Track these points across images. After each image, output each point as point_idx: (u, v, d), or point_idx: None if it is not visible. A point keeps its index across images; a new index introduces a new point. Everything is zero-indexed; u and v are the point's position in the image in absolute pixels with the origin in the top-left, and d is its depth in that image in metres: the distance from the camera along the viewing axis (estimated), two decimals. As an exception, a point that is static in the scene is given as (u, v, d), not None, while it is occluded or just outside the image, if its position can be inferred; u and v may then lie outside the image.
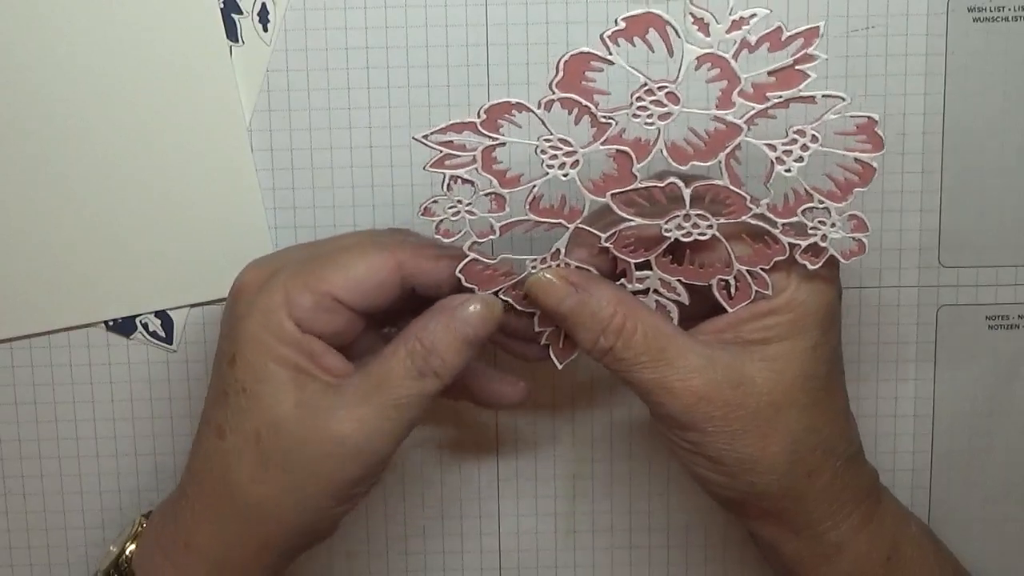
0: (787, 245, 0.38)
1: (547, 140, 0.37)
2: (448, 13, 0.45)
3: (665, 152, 0.37)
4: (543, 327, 0.41)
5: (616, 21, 0.34)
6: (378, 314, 0.40)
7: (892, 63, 0.46)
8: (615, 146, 0.36)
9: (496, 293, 0.40)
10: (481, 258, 0.39)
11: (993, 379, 0.48)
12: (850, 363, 0.47)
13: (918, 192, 0.47)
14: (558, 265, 0.39)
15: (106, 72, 0.45)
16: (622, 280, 0.40)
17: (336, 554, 0.50)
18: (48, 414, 0.48)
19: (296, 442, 0.38)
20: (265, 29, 0.45)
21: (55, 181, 0.46)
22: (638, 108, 0.36)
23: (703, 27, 0.34)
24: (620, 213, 0.38)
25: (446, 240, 0.38)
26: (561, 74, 0.35)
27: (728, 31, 0.34)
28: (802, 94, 0.35)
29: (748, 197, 0.37)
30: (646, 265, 0.40)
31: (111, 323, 0.47)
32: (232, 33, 0.45)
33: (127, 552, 0.42)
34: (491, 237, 0.39)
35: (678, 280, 0.40)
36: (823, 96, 0.35)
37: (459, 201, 0.38)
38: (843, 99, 0.35)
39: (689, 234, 0.39)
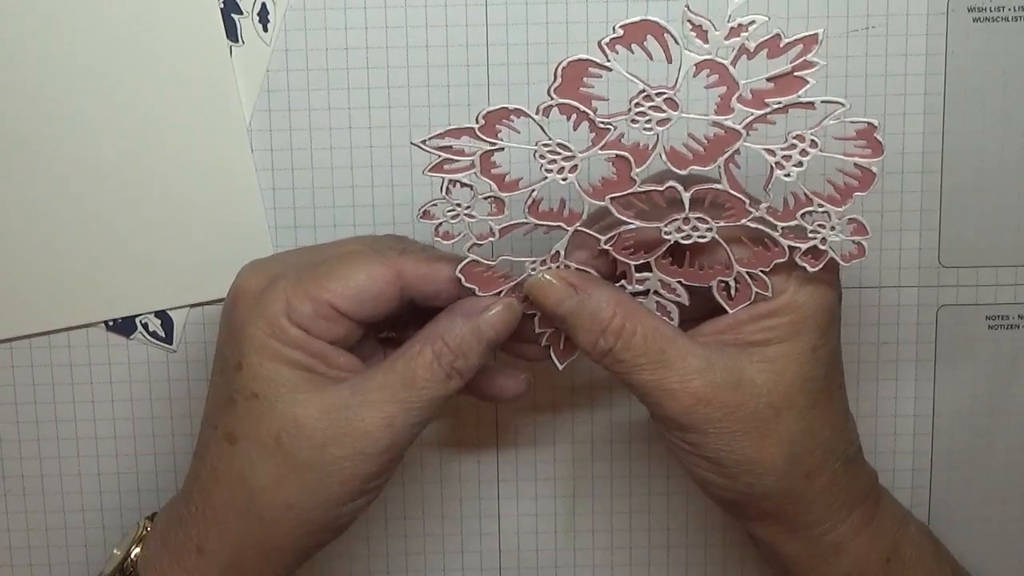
0: (787, 248, 0.38)
1: (546, 145, 0.37)
2: (448, 13, 0.45)
3: (664, 157, 0.37)
4: (543, 328, 0.41)
5: (614, 28, 0.34)
6: (377, 321, 0.40)
7: (892, 63, 0.46)
8: (614, 151, 0.37)
9: (496, 295, 0.40)
10: (481, 260, 0.39)
11: (993, 379, 0.48)
12: (850, 363, 0.48)
13: (918, 192, 0.47)
14: (558, 267, 0.39)
15: (106, 72, 0.45)
16: (622, 282, 0.40)
17: (336, 554, 0.50)
18: (48, 414, 0.48)
19: (322, 441, 0.38)
20: (265, 29, 0.45)
21: (55, 181, 0.46)
22: (637, 114, 0.36)
23: (701, 34, 0.34)
24: (619, 216, 0.38)
25: (445, 242, 0.38)
26: (559, 80, 0.35)
27: (727, 38, 0.34)
28: (801, 100, 0.35)
29: (747, 200, 0.38)
30: (646, 267, 0.40)
31: (111, 323, 0.47)
32: (232, 33, 0.45)
33: (132, 556, 0.42)
34: (490, 239, 0.39)
35: (678, 282, 0.40)
36: (822, 102, 0.35)
37: (458, 204, 0.38)
38: (842, 105, 0.35)
39: (689, 236, 0.39)
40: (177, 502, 0.42)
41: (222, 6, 0.45)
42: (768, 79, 0.35)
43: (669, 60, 0.35)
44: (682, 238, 0.39)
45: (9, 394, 0.48)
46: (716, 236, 0.39)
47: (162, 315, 0.47)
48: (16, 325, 0.47)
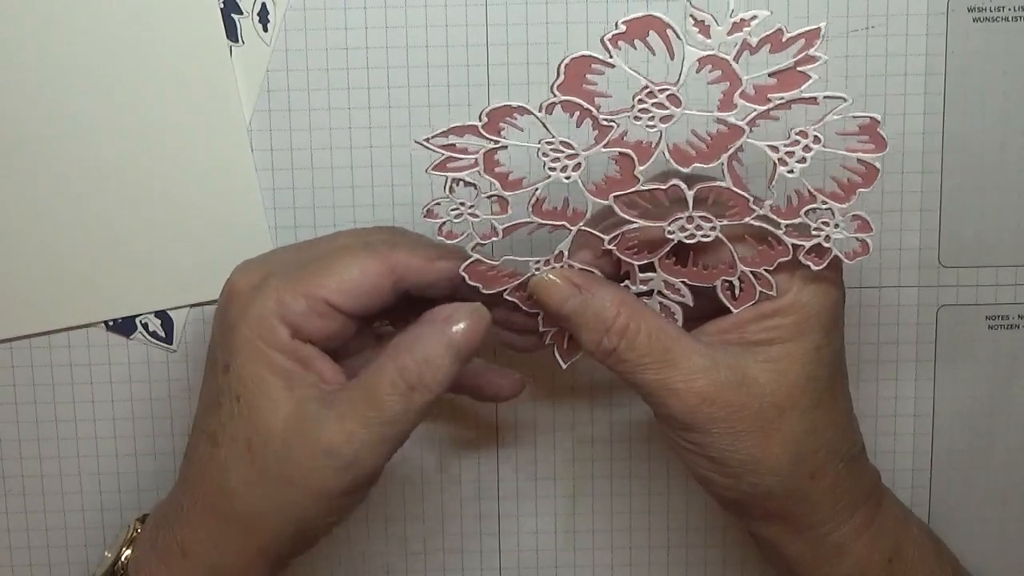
0: (791, 246, 0.38)
1: (549, 143, 0.37)
2: (448, 13, 0.45)
3: (667, 154, 0.37)
4: (547, 327, 0.41)
5: (616, 24, 0.34)
6: (371, 315, 0.40)
7: (892, 63, 0.46)
8: (617, 149, 0.36)
9: (501, 294, 0.40)
10: (484, 259, 0.39)
11: (993, 379, 0.48)
12: (850, 363, 0.47)
13: (918, 192, 0.47)
14: (562, 267, 0.39)
15: (106, 72, 0.45)
16: (626, 282, 0.40)
17: (336, 554, 0.50)
18: (48, 414, 0.48)
19: (286, 452, 0.38)
20: (265, 29, 0.45)
21: (55, 181, 0.46)
22: (639, 111, 0.36)
23: (704, 29, 0.34)
24: (623, 215, 0.38)
25: (449, 242, 0.38)
26: (562, 77, 0.35)
27: (729, 33, 0.34)
28: (804, 95, 0.35)
29: (751, 199, 0.37)
30: (650, 267, 0.40)
31: (111, 323, 0.47)
32: (232, 33, 0.45)
33: (123, 558, 0.42)
34: (494, 239, 0.38)
35: (682, 282, 0.40)
36: (825, 97, 0.35)
37: (462, 203, 0.38)
38: (845, 100, 0.35)
39: (692, 236, 0.39)
40: (166, 503, 0.42)
41: (222, 6, 0.45)
42: (770, 74, 0.35)
43: (671, 56, 0.35)
44: (685, 237, 0.39)
45: (9, 394, 0.48)
46: (720, 235, 0.39)
47: (162, 315, 0.47)
48: (16, 325, 0.47)
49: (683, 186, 0.37)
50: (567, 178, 0.37)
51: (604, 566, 0.50)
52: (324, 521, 0.39)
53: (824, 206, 0.38)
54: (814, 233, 0.38)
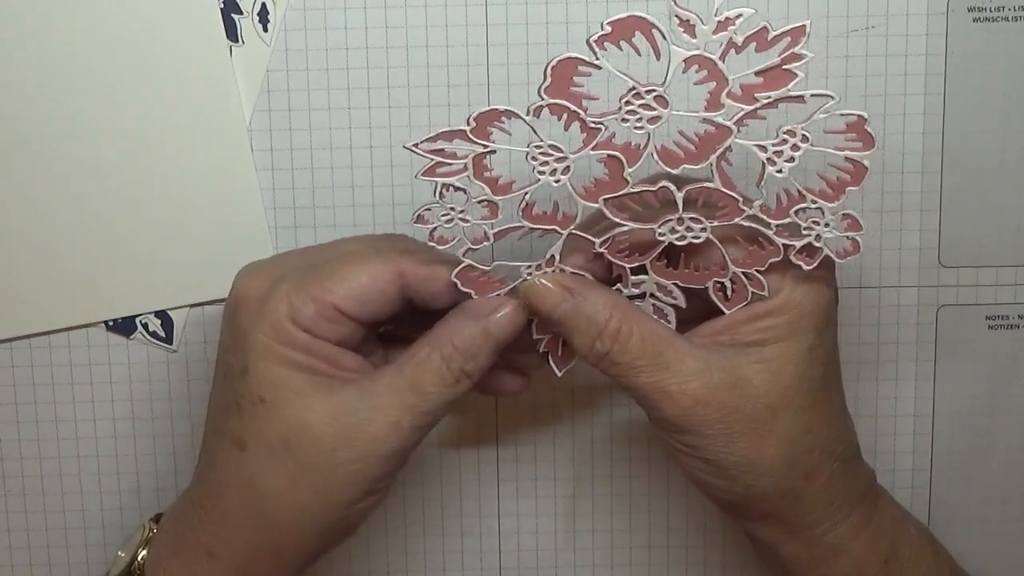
0: (781, 246, 0.38)
1: (537, 147, 0.36)
2: (448, 13, 0.45)
3: (656, 156, 0.36)
4: (540, 334, 0.41)
5: (602, 25, 0.34)
6: (379, 321, 0.40)
7: (892, 63, 0.46)
8: (605, 151, 0.36)
9: (500, 296, 0.40)
10: (476, 265, 0.39)
11: (993, 379, 0.48)
12: (850, 363, 0.48)
13: (918, 192, 0.47)
14: (553, 271, 0.39)
15: (106, 72, 0.45)
16: (618, 286, 0.40)
17: (336, 554, 0.50)
18: (48, 414, 0.48)
19: (332, 445, 0.38)
20: (265, 29, 0.45)
21: (55, 181, 0.46)
22: (627, 112, 0.35)
23: (689, 29, 0.34)
24: (613, 218, 0.38)
25: (440, 247, 0.38)
26: (549, 80, 0.35)
27: (714, 32, 0.34)
28: (791, 94, 0.35)
29: (740, 199, 0.37)
30: (641, 270, 0.40)
31: (111, 323, 0.47)
32: (232, 33, 0.45)
33: (139, 559, 0.42)
34: (485, 244, 0.38)
35: (674, 284, 0.40)
36: (812, 95, 0.35)
37: (452, 208, 0.38)
38: (832, 98, 0.35)
39: (683, 237, 0.39)
40: (184, 506, 0.41)
41: (222, 6, 0.45)
42: (757, 73, 0.35)
43: (657, 56, 0.34)
44: (676, 239, 0.39)
45: (9, 394, 0.48)
46: (711, 236, 0.38)
47: (162, 315, 0.47)
48: (16, 325, 0.47)
49: (672, 188, 0.37)
50: (556, 182, 0.37)
51: (604, 566, 0.50)
52: (359, 508, 0.40)
53: (814, 205, 0.38)
54: (804, 233, 0.38)
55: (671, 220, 0.38)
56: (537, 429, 0.49)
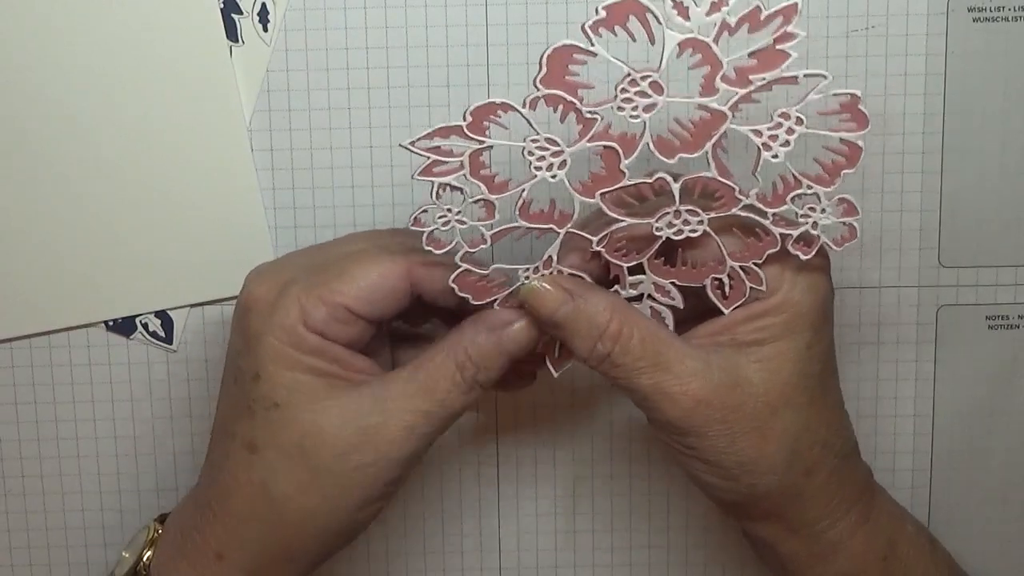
0: (778, 236, 0.38)
1: (534, 140, 0.36)
2: (448, 13, 0.45)
3: (652, 146, 0.36)
4: None
5: (597, 10, 0.34)
6: (389, 318, 0.40)
7: (892, 63, 0.46)
8: (602, 142, 0.36)
9: (491, 303, 0.40)
10: (474, 269, 0.39)
11: (993, 379, 0.48)
12: (850, 363, 0.48)
13: (918, 192, 0.47)
14: (551, 272, 0.39)
15: (106, 72, 0.45)
16: (616, 286, 0.40)
17: (336, 555, 0.50)
18: (48, 414, 0.48)
19: (345, 449, 0.38)
20: (265, 29, 0.45)
21: (55, 181, 0.46)
22: (623, 100, 0.35)
23: (683, 11, 0.34)
24: (610, 213, 0.38)
25: (437, 251, 0.38)
26: (544, 70, 0.34)
27: (708, 13, 0.34)
28: (784, 75, 0.35)
29: (737, 188, 0.37)
30: (639, 270, 0.40)
31: (111, 323, 0.47)
32: (232, 33, 0.45)
33: (144, 559, 0.42)
34: (483, 246, 0.38)
35: (672, 283, 0.40)
36: (805, 75, 0.35)
37: (448, 210, 0.37)
38: (825, 77, 0.35)
39: (680, 231, 0.38)
40: (191, 508, 0.41)
41: (222, 6, 0.45)
42: (750, 55, 0.35)
43: (652, 41, 0.34)
44: (673, 233, 0.38)
45: (9, 394, 0.48)
46: (707, 228, 0.38)
47: (162, 315, 0.47)
48: (16, 325, 0.47)
49: (669, 179, 0.37)
50: (553, 177, 0.37)
51: (604, 566, 0.50)
52: (369, 511, 0.40)
53: (810, 191, 0.37)
54: (801, 220, 0.38)
55: (668, 213, 0.38)
56: (537, 429, 0.49)
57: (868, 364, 0.48)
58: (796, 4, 0.34)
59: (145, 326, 0.47)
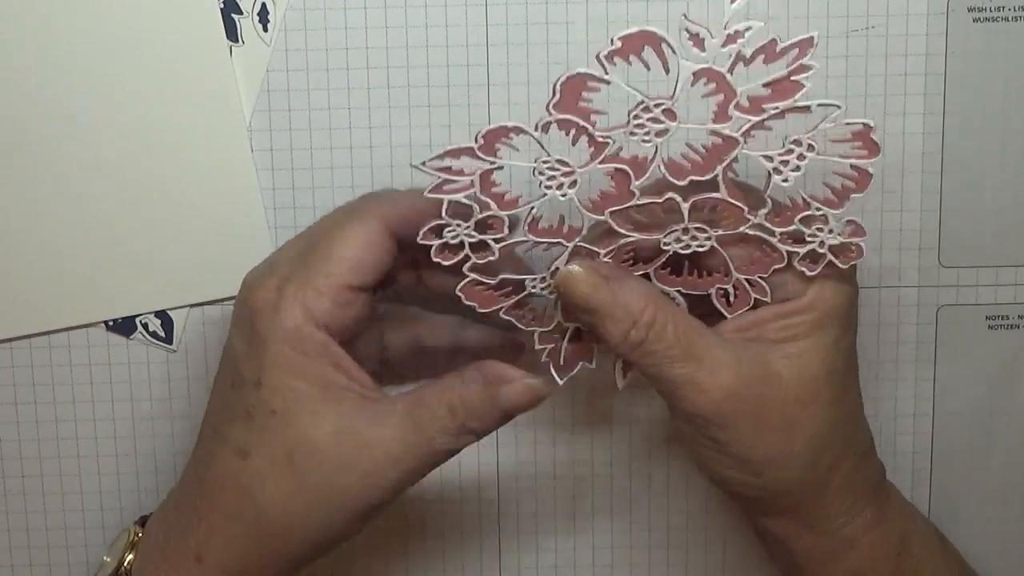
0: (785, 253, 0.39)
1: (545, 162, 0.36)
2: (448, 13, 0.45)
3: (663, 168, 0.36)
4: (544, 344, 0.41)
5: (612, 41, 0.34)
6: (385, 281, 0.40)
7: (892, 63, 0.46)
8: (613, 164, 0.36)
9: (497, 312, 0.40)
10: (481, 279, 0.39)
11: (993, 379, 0.48)
12: (850, 363, 0.47)
13: (918, 192, 0.47)
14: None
15: (106, 72, 0.45)
16: None
17: (336, 554, 0.50)
18: (48, 414, 0.48)
19: (329, 467, 0.38)
20: (265, 29, 0.45)
21: (55, 181, 0.46)
22: (635, 126, 0.36)
23: (698, 42, 0.34)
24: (619, 230, 0.38)
25: (445, 263, 0.38)
26: (558, 96, 0.35)
27: (723, 45, 0.34)
28: (798, 104, 0.35)
29: (746, 209, 0.37)
30: (645, 277, 0.40)
31: (111, 323, 0.47)
32: (232, 33, 0.45)
33: (126, 563, 0.42)
34: (490, 258, 0.38)
35: (677, 291, 0.40)
36: (819, 105, 0.35)
37: (459, 224, 0.38)
38: (838, 107, 0.35)
39: (688, 247, 0.39)
40: (174, 509, 0.41)
41: (222, 6, 0.45)
42: (764, 84, 0.35)
43: (666, 70, 0.34)
44: (681, 248, 0.39)
45: (9, 394, 0.48)
46: (715, 244, 0.39)
47: (162, 315, 0.47)
48: (16, 325, 0.47)
49: (679, 199, 0.37)
50: (563, 196, 0.37)
51: (604, 566, 0.50)
52: (356, 527, 0.40)
53: (819, 212, 0.38)
54: (808, 239, 0.38)
55: (676, 230, 0.38)
56: (537, 429, 0.49)
57: (868, 364, 0.48)
58: (812, 37, 0.35)
59: (145, 326, 0.47)
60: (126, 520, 0.48)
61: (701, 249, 0.39)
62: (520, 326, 0.41)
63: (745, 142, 0.36)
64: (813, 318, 0.39)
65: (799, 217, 0.38)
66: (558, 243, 0.38)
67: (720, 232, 0.38)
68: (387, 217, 0.39)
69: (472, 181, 0.37)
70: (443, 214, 0.37)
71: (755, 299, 0.39)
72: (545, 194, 0.37)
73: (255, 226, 0.46)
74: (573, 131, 0.35)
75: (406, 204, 0.39)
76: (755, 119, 0.35)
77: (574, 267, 0.39)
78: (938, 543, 0.44)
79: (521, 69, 0.46)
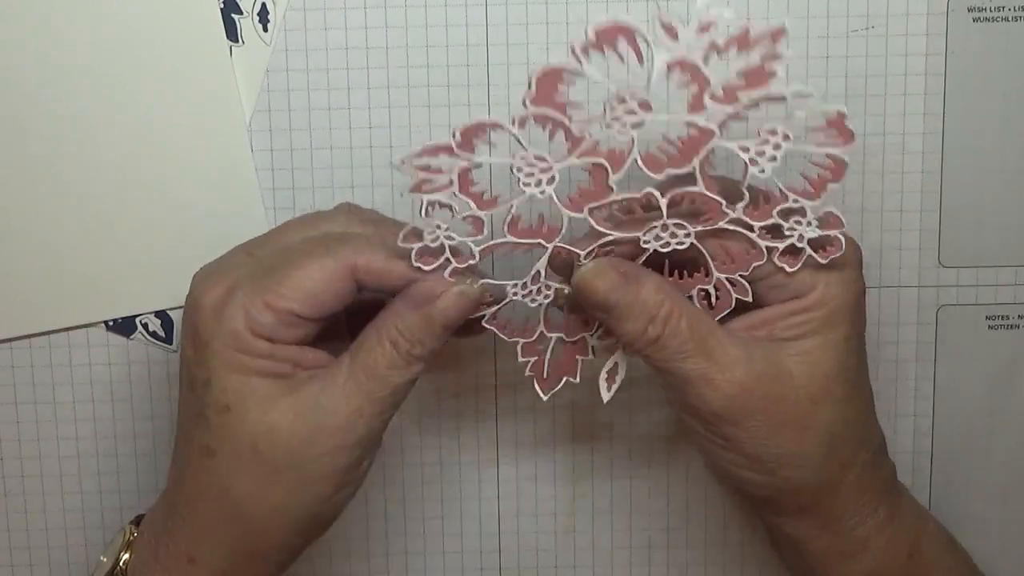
0: (764, 249, 0.38)
1: (523, 158, 0.36)
2: (448, 13, 0.45)
3: (640, 162, 0.36)
4: (527, 356, 0.41)
5: (586, 33, 0.34)
6: (337, 312, 0.40)
7: (892, 63, 0.46)
8: (590, 159, 0.36)
9: (480, 319, 0.40)
10: (466, 289, 0.39)
11: (993, 379, 0.48)
12: (850, 363, 0.47)
13: (918, 192, 0.47)
14: (538, 289, 0.39)
15: (106, 72, 0.45)
16: None
17: (336, 554, 0.50)
18: (48, 414, 0.48)
19: (298, 443, 0.38)
20: (265, 29, 0.45)
21: (55, 181, 0.46)
22: (611, 118, 0.35)
23: (672, 33, 0.34)
24: (598, 227, 0.38)
25: (426, 268, 0.38)
26: (534, 90, 0.35)
27: (697, 35, 0.34)
28: (772, 93, 0.35)
29: (724, 202, 0.37)
30: None
31: (111, 323, 0.47)
32: (232, 33, 0.45)
33: (121, 563, 0.42)
34: (471, 262, 0.38)
35: None
36: (792, 94, 0.35)
37: (438, 226, 0.37)
38: (811, 95, 0.35)
39: (667, 244, 0.39)
40: (162, 512, 0.41)
41: (222, 6, 0.45)
42: (738, 74, 0.35)
43: (641, 62, 0.34)
44: (660, 246, 0.39)
45: (9, 394, 0.48)
46: (695, 242, 0.38)
47: (162, 315, 0.47)
48: (16, 325, 0.47)
49: (657, 193, 0.37)
50: (542, 193, 0.37)
51: (604, 566, 0.50)
52: (336, 499, 0.40)
53: (796, 204, 0.38)
54: (787, 234, 0.38)
55: (655, 227, 0.38)
56: (537, 429, 0.49)
57: (868, 364, 0.48)
58: (783, 27, 0.34)
59: (145, 326, 0.47)
60: (126, 520, 0.48)
61: (681, 247, 0.38)
62: (503, 336, 0.41)
63: (721, 133, 0.36)
64: (823, 315, 0.39)
65: (777, 209, 0.38)
66: (538, 244, 0.38)
67: (700, 228, 0.38)
68: (357, 268, 0.39)
69: (451, 180, 0.36)
70: (421, 215, 0.37)
71: (736, 299, 0.39)
72: (524, 191, 0.37)
73: (255, 226, 0.46)
74: (550, 126, 0.35)
75: (380, 261, 0.39)
76: (730, 110, 0.35)
77: (590, 264, 0.38)
78: (949, 544, 0.44)
79: (521, 69, 0.46)
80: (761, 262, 0.39)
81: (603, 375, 0.42)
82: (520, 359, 0.41)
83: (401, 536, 0.50)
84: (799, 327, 0.39)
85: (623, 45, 0.34)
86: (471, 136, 0.35)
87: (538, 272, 0.39)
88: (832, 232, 0.38)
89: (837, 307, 0.39)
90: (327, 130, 0.46)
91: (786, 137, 0.36)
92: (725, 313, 0.40)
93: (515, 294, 0.39)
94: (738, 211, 0.38)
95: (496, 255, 0.38)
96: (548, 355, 0.42)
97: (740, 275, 0.39)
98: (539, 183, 0.36)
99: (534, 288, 0.39)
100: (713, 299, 0.40)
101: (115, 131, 0.45)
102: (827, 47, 0.46)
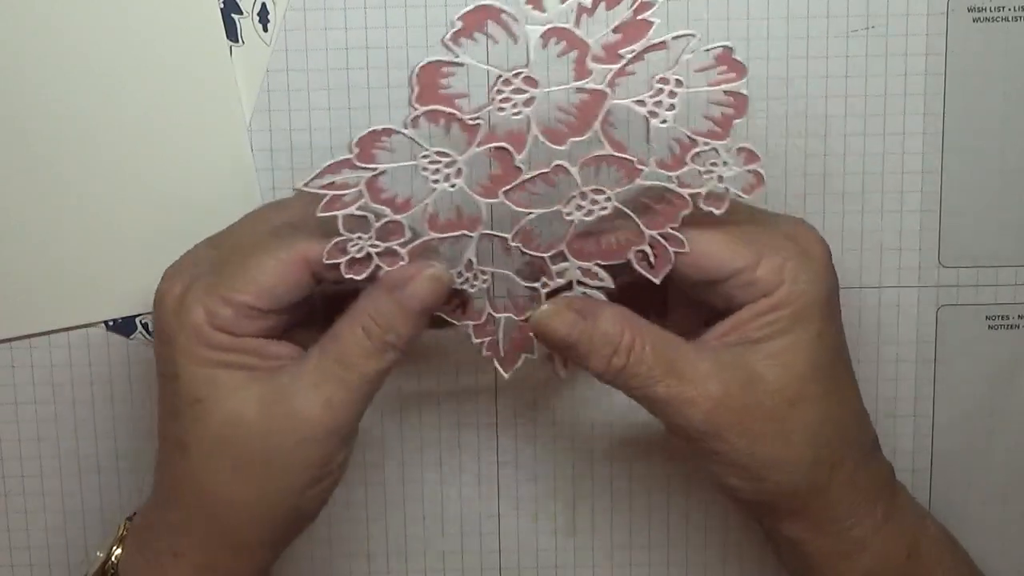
0: (688, 197, 0.38)
1: (424, 156, 0.36)
2: (448, 13, 0.45)
3: (541, 136, 0.36)
4: (480, 338, 0.41)
5: (453, 22, 0.34)
6: (300, 301, 0.40)
7: (892, 63, 0.46)
8: (491, 144, 0.36)
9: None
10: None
11: (993, 379, 0.48)
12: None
13: (918, 192, 0.47)
14: (474, 275, 0.40)
15: (106, 72, 0.45)
16: (542, 278, 0.40)
17: (336, 554, 0.50)
18: (48, 414, 0.48)
19: (266, 434, 0.38)
20: (265, 29, 0.45)
21: (55, 181, 0.46)
22: (501, 101, 0.35)
23: (537, 4, 0.34)
24: (517, 209, 0.38)
25: (358, 277, 0.38)
26: (417, 88, 0.35)
27: (562, 1, 0.34)
28: (653, 42, 0.35)
29: (635, 159, 0.37)
30: (562, 258, 0.40)
31: (111, 323, 0.47)
32: (232, 33, 0.45)
33: (113, 557, 0.42)
34: (401, 263, 0.38)
35: (596, 264, 0.40)
36: (673, 39, 0.35)
37: (360, 237, 0.37)
38: (693, 36, 0.35)
39: (591, 212, 0.38)
40: (149, 509, 0.42)
41: (222, 6, 0.45)
42: (614, 30, 0.35)
43: (515, 40, 0.34)
44: (584, 215, 0.39)
45: (9, 394, 0.48)
46: (617, 204, 0.38)
47: (162, 315, 0.47)
48: (16, 325, 0.47)
49: (566, 164, 0.37)
50: (452, 187, 0.37)
51: (604, 566, 0.50)
52: (314, 492, 0.39)
53: (707, 147, 0.37)
54: (705, 177, 0.38)
55: (575, 197, 0.38)
56: (537, 429, 0.49)
57: (868, 364, 0.48)
58: None
59: (145, 326, 0.47)
60: (126, 520, 0.48)
61: (604, 212, 0.38)
62: (453, 321, 0.41)
63: (613, 92, 0.36)
64: (791, 312, 0.39)
65: (689, 155, 0.38)
66: (462, 235, 0.38)
67: (618, 190, 0.38)
68: (311, 258, 0.38)
69: (360, 192, 0.36)
70: (340, 230, 0.37)
71: (674, 253, 0.39)
72: (434, 189, 0.37)
73: (255, 226, 0.46)
74: (443, 120, 0.35)
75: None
76: (615, 67, 0.35)
77: (546, 307, 0.39)
78: (948, 544, 0.44)
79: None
80: (688, 210, 0.38)
81: (557, 355, 0.42)
82: (474, 341, 0.41)
83: (401, 536, 0.50)
84: (770, 327, 0.39)
85: (493, 26, 0.34)
86: (368, 146, 0.36)
87: (470, 260, 0.39)
88: (752, 167, 0.38)
89: (806, 304, 0.39)
90: (327, 130, 0.46)
91: (678, 82, 0.36)
92: (667, 270, 0.39)
93: (462, 283, 0.40)
94: (651, 165, 0.38)
95: (423, 254, 0.39)
96: (500, 334, 0.42)
97: (671, 228, 0.39)
98: (447, 178, 0.37)
99: (469, 275, 0.40)
100: (652, 259, 0.40)
101: (115, 131, 0.45)
102: (827, 47, 0.46)
